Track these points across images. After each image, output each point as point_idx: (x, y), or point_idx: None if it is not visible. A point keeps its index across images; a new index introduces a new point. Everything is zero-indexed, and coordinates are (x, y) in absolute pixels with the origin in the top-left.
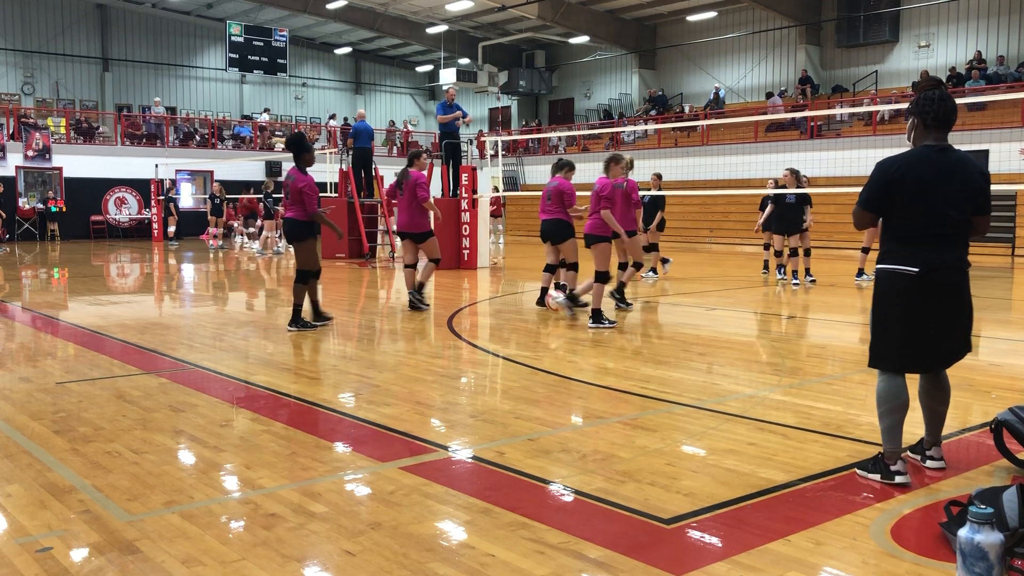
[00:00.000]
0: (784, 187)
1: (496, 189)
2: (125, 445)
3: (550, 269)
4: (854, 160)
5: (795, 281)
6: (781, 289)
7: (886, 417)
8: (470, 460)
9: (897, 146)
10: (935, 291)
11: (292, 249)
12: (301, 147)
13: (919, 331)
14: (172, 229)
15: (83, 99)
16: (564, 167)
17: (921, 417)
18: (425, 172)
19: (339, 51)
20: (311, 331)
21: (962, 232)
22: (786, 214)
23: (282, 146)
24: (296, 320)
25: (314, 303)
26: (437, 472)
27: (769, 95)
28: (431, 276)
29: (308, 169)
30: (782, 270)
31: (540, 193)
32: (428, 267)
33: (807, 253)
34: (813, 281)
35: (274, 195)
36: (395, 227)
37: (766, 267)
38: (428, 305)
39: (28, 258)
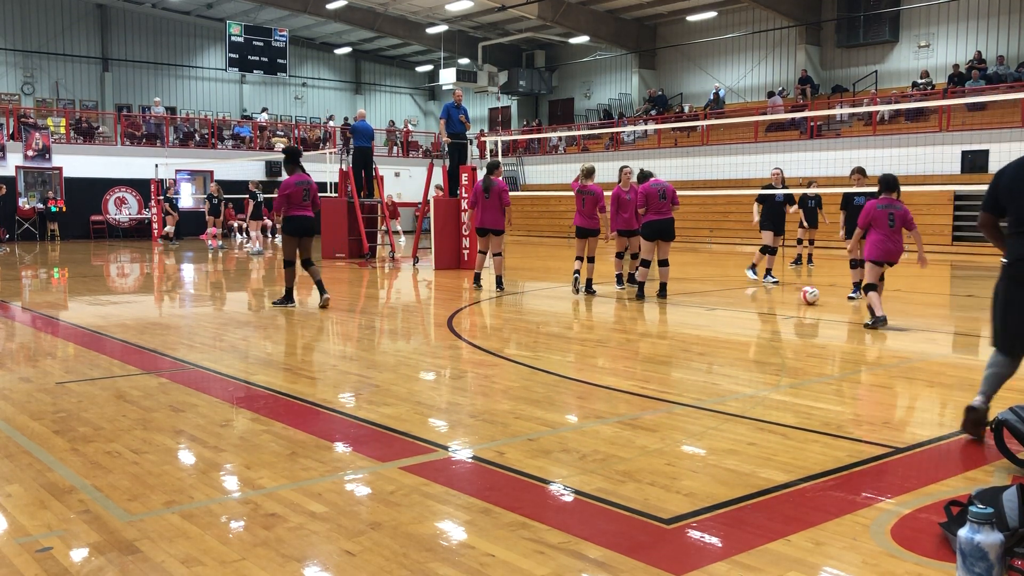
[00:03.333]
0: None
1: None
2: (125, 445)
3: (646, 264)
4: (854, 160)
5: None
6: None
7: (986, 370)
8: (470, 460)
9: (896, 146)
10: (1019, 281)
11: (299, 242)
12: (299, 156)
13: (1011, 317)
14: (169, 229)
15: (83, 99)
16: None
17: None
18: (502, 180)
19: (339, 51)
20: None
21: None
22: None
23: (282, 146)
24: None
25: (319, 283)
26: (437, 472)
27: (771, 94)
28: (500, 267)
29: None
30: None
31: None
32: (499, 260)
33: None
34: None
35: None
36: (476, 225)
37: (798, 260)
38: (503, 288)
39: (28, 258)
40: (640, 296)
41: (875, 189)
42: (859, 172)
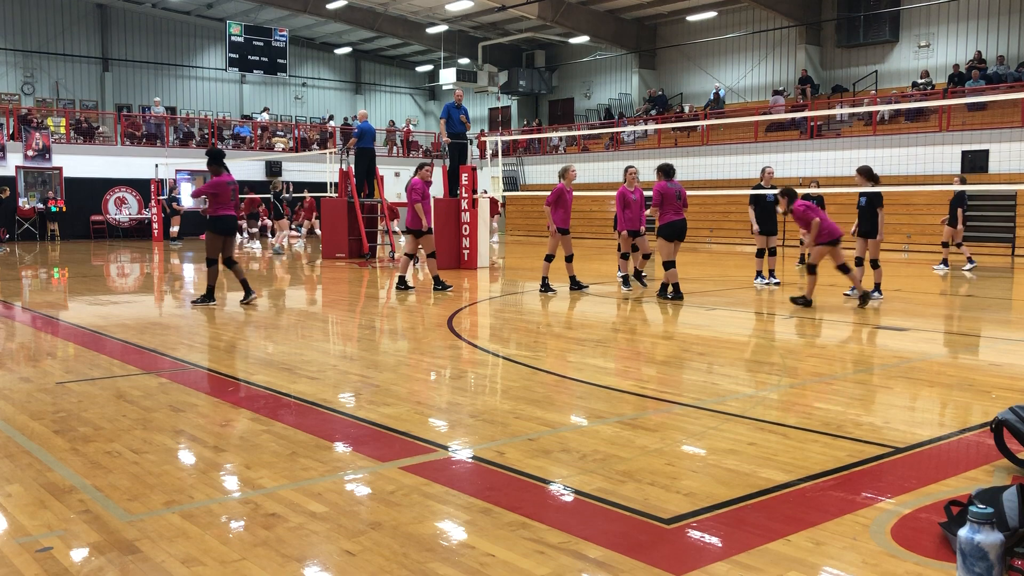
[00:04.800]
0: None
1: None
2: (125, 445)
3: (672, 264)
4: (854, 160)
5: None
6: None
7: None
8: (470, 460)
9: (897, 146)
10: None
11: (224, 241)
12: (223, 157)
13: None
14: (174, 229)
15: (83, 99)
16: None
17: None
18: (418, 179)
19: (339, 51)
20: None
21: None
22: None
23: (282, 146)
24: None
25: (243, 281)
26: (437, 472)
27: (776, 92)
28: (406, 268)
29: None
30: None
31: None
32: (403, 260)
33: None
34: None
35: (286, 195)
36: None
37: (803, 259)
38: (411, 287)
39: (28, 258)
40: (679, 296)
41: (875, 189)
42: (862, 173)
